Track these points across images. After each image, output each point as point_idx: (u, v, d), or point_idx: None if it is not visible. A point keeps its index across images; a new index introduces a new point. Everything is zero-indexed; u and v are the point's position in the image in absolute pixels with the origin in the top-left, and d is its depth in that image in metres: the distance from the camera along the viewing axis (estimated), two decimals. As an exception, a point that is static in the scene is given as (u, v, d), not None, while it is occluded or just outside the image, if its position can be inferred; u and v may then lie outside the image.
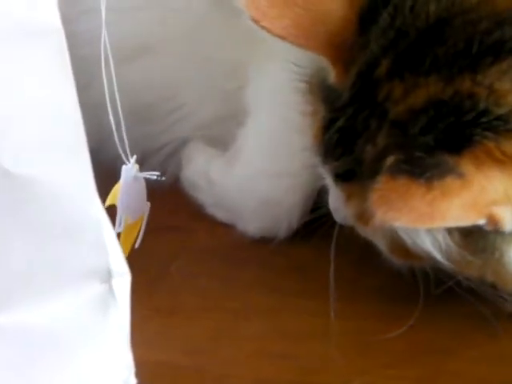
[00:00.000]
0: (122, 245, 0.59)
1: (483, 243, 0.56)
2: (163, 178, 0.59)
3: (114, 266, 0.49)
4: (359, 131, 0.57)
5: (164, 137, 0.79)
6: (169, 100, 0.78)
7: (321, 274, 0.68)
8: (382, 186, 0.52)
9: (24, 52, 0.44)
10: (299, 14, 0.56)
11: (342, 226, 0.66)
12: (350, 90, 0.57)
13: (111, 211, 0.55)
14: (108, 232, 0.49)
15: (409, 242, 0.57)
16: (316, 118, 0.61)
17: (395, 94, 0.55)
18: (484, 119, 0.53)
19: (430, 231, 0.55)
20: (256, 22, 0.56)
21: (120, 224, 0.58)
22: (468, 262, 0.57)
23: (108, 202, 0.57)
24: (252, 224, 0.75)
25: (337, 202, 0.63)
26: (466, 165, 0.51)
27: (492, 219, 0.52)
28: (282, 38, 0.56)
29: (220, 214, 0.78)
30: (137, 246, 0.60)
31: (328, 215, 0.66)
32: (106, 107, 0.54)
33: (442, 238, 0.56)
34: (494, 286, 0.62)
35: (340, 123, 0.58)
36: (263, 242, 0.74)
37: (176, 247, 0.75)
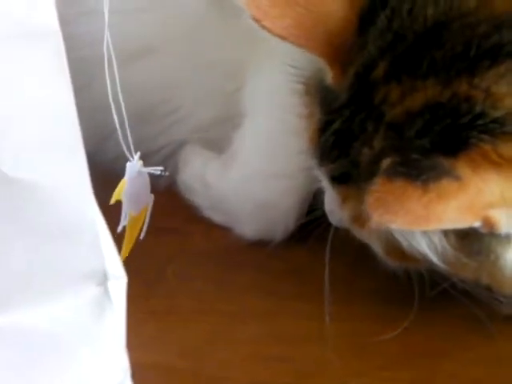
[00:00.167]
0: (127, 237, 0.60)
1: (479, 246, 0.56)
2: (167, 173, 0.59)
3: (109, 269, 0.49)
4: (356, 134, 0.57)
5: (161, 139, 0.79)
6: (166, 102, 0.78)
7: (317, 277, 0.68)
8: (378, 188, 0.52)
9: (23, 52, 0.45)
10: (300, 14, 0.56)
11: (336, 229, 0.66)
12: (347, 92, 0.57)
13: (114, 209, 0.55)
14: (104, 235, 0.49)
15: (404, 244, 0.57)
16: (312, 121, 0.61)
17: (392, 97, 0.55)
18: (480, 122, 0.53)
19: (425, 233, 0.55)
20: (257, 21, 0.55)
21: (125, 217, 0.59)
22: (463, 264, 0.57)
23: (114, 198, 0.57)
24: (248, 227, 0.75)
25: (332, 204, 0.63)
26: (463, 167, 0.51)
27: (488, 222, 0.52)
28: (283, 37, 0.56)
29: (216, 217, 0.78)
30: (141, 237, 0.61)
31: (323, 218, 0.66)
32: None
33: (437, 240, 0.56)
34: (489, 289, 0.62)
35: (336, 125, 0.58)
36: (259, 245, 0.74)
37: (172, 250, 0.75)
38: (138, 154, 0.58)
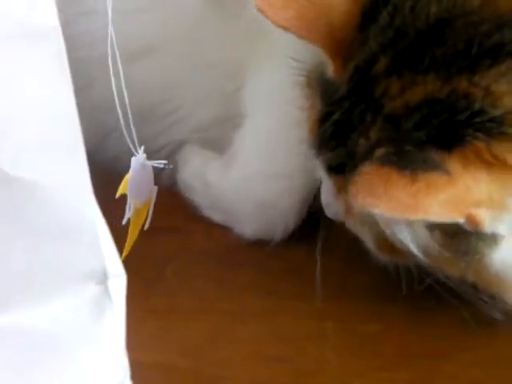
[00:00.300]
0: (132, 228, 0.61)
1: (466, 245, 0.56)
2: (171, 166, 0.60)
3: (109, 268, 0.49)
4: (354, 125, 0.57)
5: (161, 139, 0.79)
6: (166, 102, 0.78)
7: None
8: (366, 171, 0.52)
9: (23, 52, 0.45)
10: (304, 6, 0.57)
11: (329, 227, 0.66)
12: (348, 84, 0.58)
13: (114, 208, 0.55)
14: (104, 233, 0.49)
15: (388, 232, 0.57)
16: (313, 112, 0.61)
17: (392, 90, 0.56)
18: (478, 119, 0.53)
19: (410, 225, 0.56)
20: (261, 11, 0.56)
21: (130, 209, 0.60)
22: (447, 259, 0.57)
23: (119, 192, 0.58)
24: (248, 226, 0.75)
25: (329, 196, 0.63)
26: (454, 163, 0.52)
27: (472, 220, 0.52)
28: (286, 28, 0.57)
29: (216, 217, 0.78)
30: (146, 227, 0.62)
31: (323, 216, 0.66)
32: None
33: (421, 233, 0.56)
34: (474, 287, 0.62)
35: (336, 116, 0.58)
36: (259, 245, 0.74)
37: (172, 249, 0.75)
38: (143, 147, 0.59)
